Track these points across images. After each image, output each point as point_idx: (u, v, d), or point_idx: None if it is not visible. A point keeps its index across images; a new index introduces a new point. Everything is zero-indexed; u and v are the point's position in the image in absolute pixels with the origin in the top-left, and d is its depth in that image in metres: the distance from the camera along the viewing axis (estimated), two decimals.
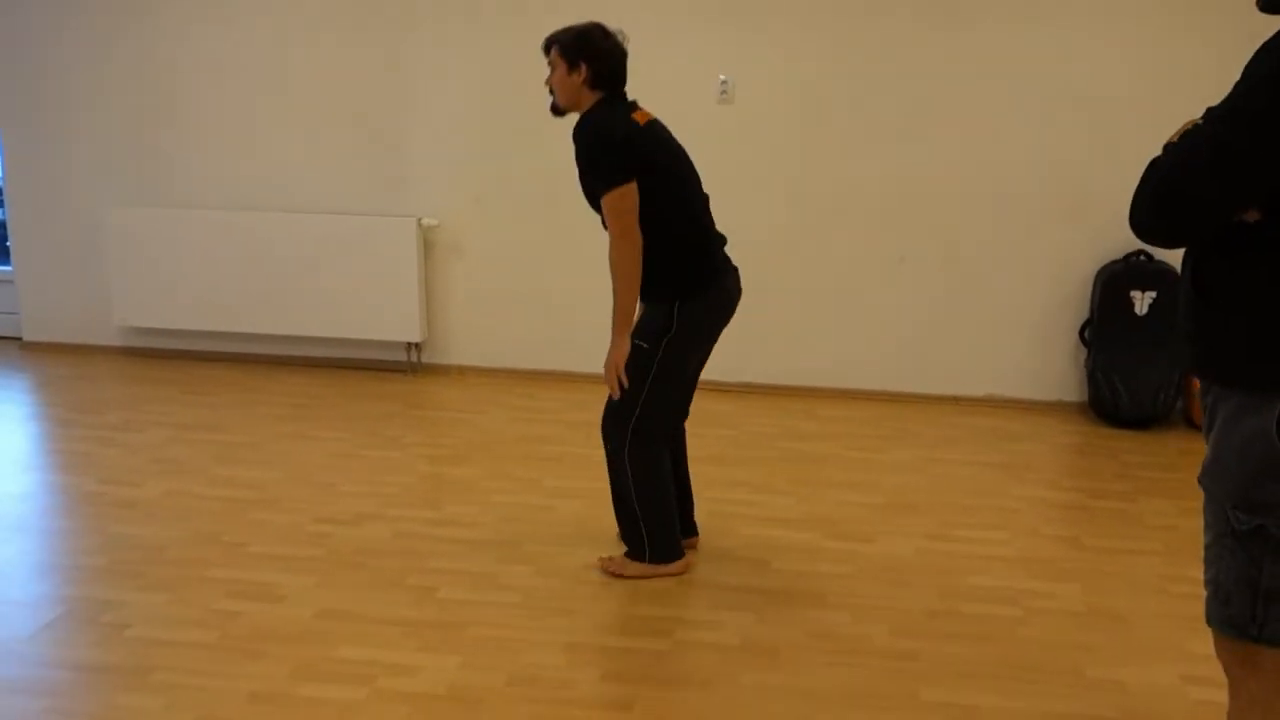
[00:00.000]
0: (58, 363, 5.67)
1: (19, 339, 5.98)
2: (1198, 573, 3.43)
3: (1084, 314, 5.09)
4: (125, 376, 5.47)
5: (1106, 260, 5.03)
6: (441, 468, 4.29)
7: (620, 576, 3.37)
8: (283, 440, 4.57)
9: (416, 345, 5.58)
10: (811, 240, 5.20)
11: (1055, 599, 3.31)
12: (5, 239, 5.97)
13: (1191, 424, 4.97)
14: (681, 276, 3.20)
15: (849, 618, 3.17)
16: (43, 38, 5.52)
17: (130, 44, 5.47)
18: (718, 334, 3.36)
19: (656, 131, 3.23)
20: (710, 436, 4.65)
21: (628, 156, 3.11)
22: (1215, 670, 2.91)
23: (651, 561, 3.37)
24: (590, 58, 3.16)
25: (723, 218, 5.19)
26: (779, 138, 5.11)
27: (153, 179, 5.60)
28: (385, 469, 4.27)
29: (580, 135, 3.17)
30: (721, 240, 3.36)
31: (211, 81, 5.45)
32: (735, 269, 3.37)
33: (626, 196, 3.10)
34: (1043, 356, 5.18)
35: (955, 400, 5.25)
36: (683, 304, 3.20)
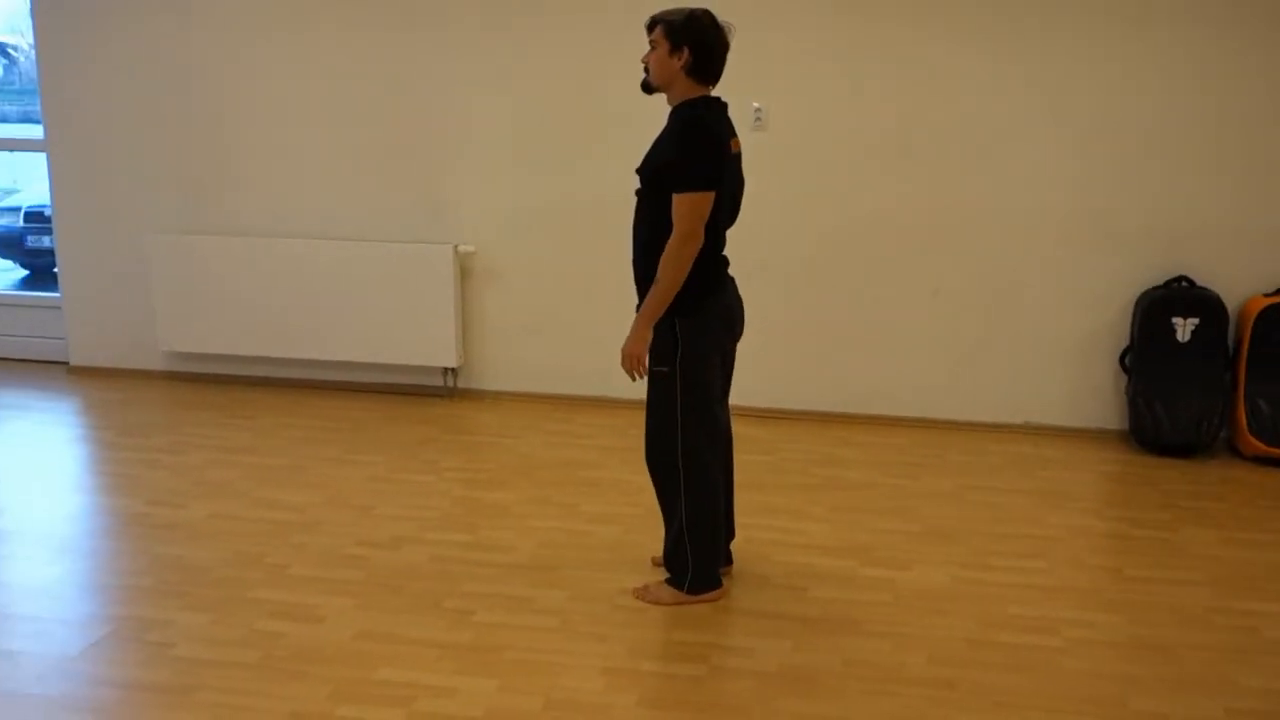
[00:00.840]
0: (104, 387, 5.76)
1: (66, 363, 6.08)
2: (1244, 604, 3.40)
3: (1124, 340, 5.05)
4: (169, 400, 5.55)
5: (1147, 286, 4.99)
6: (478, 492, 4.32)
7: (657, 604, 3.37)
8: (322, 464, 4.61)
9: (453, 370, 5.62)
10: (847, 266, 5.20)
11: (1097, 629, 3.27)
12: (53, 265, 6.07)
13: (1235, 452, 4.91)
14: (684, 295, 3.19)
15: (887, 646, 3.15)
16: (89, 67, 5.64)
17: (176, 72, 5.57)
18: (727, 344, 3.38)
19: (734, 163, 3.26)
20: (746, 463, 4.65)
21: (721, 168, 3.12)
22: (1262, 703, 2.88)
23: (690, 591, 3.37)
24: (694, 44, 3.13)
25: (757, 245, 5.23)
26: (813, 165, 5.13)
27: (197, 206, 5.70)
28: (422, 493, 4.30)
29: (688, 127, 3.15)
30: (726, 262, 3.37)
31: (255, 110, 5.55)
32: (732, 279, 3.38)
33: (704, 204, 3.10)
34: (1082, 383, 5.14)
35: (993, 428, 5.21)
36: (681, 320, 3.21)
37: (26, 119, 8.07)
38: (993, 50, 4.91)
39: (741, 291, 3.41)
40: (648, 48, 3.20)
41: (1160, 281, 4.98)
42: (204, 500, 4.19)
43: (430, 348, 5.50)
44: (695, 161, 3.10)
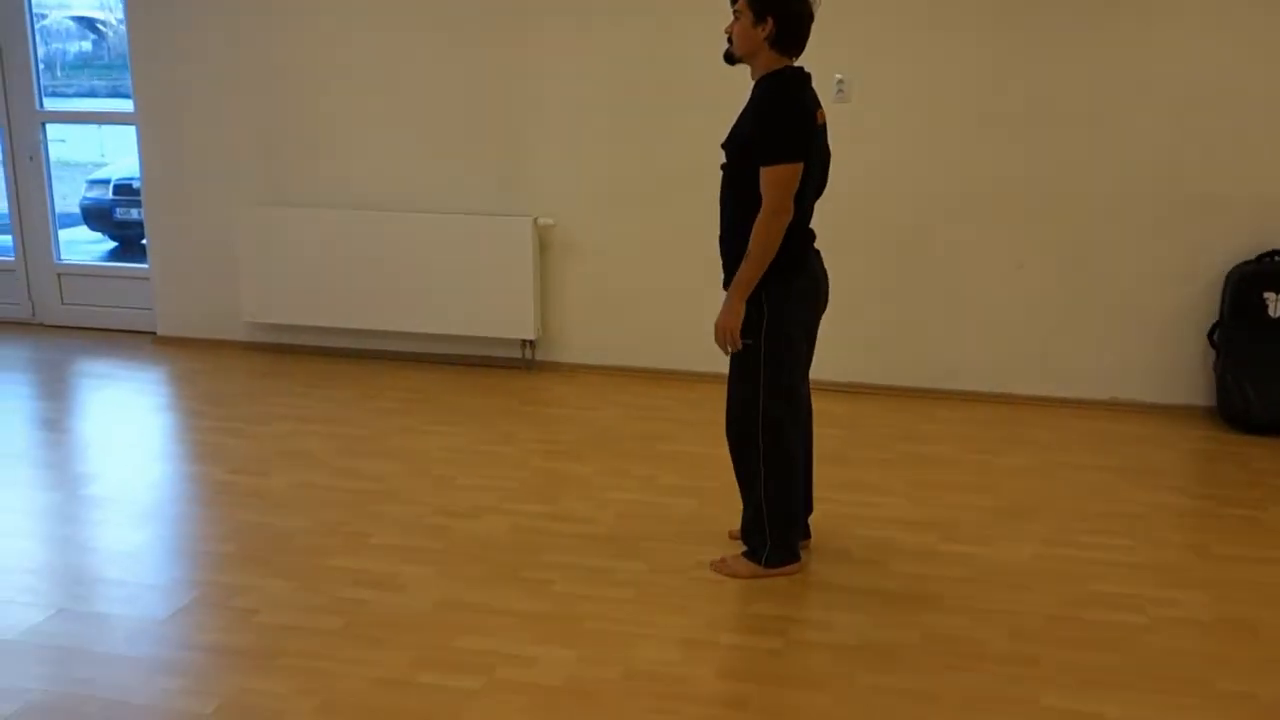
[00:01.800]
0: (189, 357, 5.89)
1: (153, 333, 6.22)
2: None
3: (1213, 315, 4.92)
4: (252, 370, 5.66)
5: (1238, 260, 4.85)
6: (556, 463, 4.35)
7: (734, 577, 3.37)
8: (402, 434, 4.68)
9: (531, 343, 5.66)
10: (930, 240, 5.12)
11: (1182, 607, 3.21)
12: (142, 237, 6.21)
13: None
14: (771, 268, 3.16)
15: (967, 621, 3.12)
16: (178, 40, 5.74)
17: (260, 46, 5.65)
18: (813, 317, 3.35)
19: (820, 134, 3.22)
20: (826, 436, 4.60)
21: (808, 140, 3.10)
22: None
23: (768, 564, 3.36)
24: (779, 14, 3.09)
25: (840, 218, 5.16)
26: (895, 137, 5.05)
27: (281, 179, 5.79)
28: (501, 464, 4.34)
29: (775, 98, 3.12)
30: (811, 237, 3.33)
31: (340, 84, 5.60)
32: (818, 253, 3.34)
33: (793, 177, 3.07)
34: (1169, 359, 5.02)
35: (1077, 403, 5.12)
36: (769, 292, 3.18)
37: (115, 93, 8.22)
38: (1085, 19, 4.78)
39: (824, 264, 3.38)
40: (730, 17, 3.17)
41: (1252, 255, 4.83)
42: (286, 469, 4.27)
43: (509, 320, 5.53)
44: (782, 133, 3.07)
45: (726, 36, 3.20)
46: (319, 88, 5.64)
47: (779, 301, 3.19)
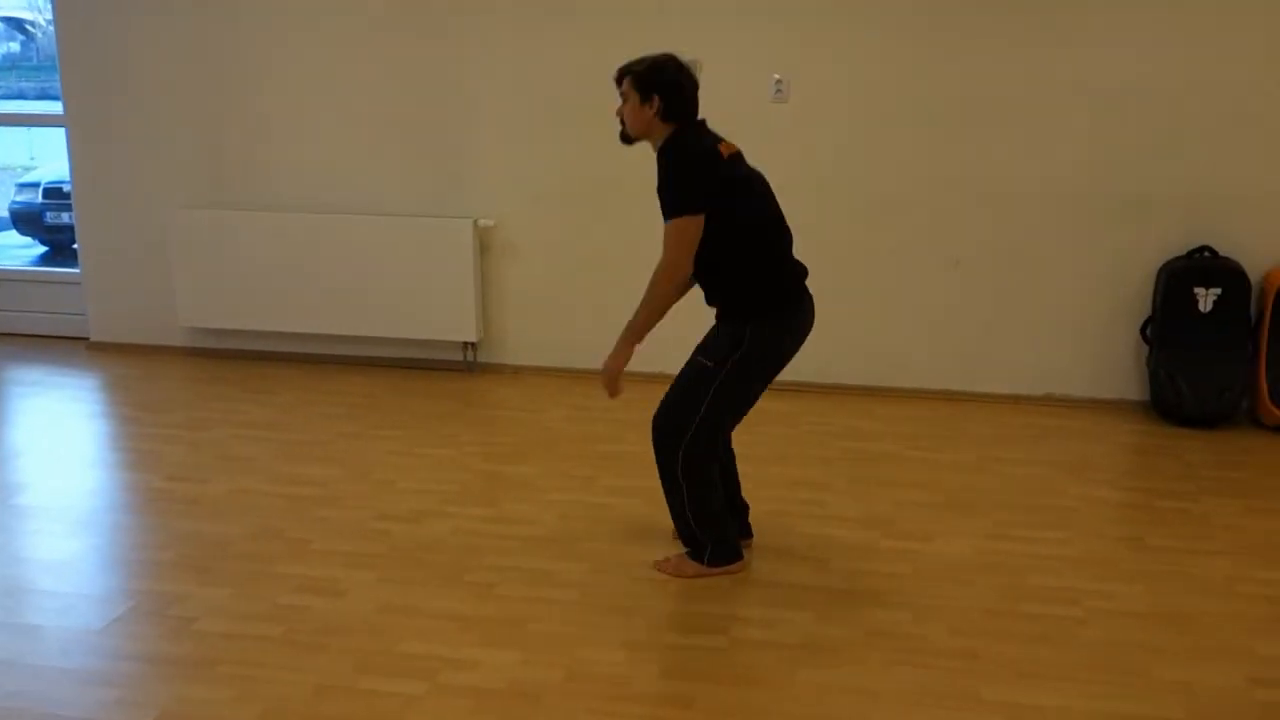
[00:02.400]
0: (124, 363, 5.79)
1: (86, 339, 6.10)
2: (1266, 573, 3.39)
3: (1146, 311, 5.02)
4: (189, 376, 5.57)
5: (1169, 256, 4.95)
6: (499, 466, 4.33)
7: (679, 576, 3.38)
8: (343, 439, 4.63)
9: (473, 345, 5.63)
10: (869, 239, 5.17)
11: (1119, 599, 3.27)
12: (73, 241, 6.10)
13: (1257, 423, 4.88)
14: (755, 300, 3.23)
15: (909, 617, 3.15)
16: (109, 40, 5.64)
17: (193, 46, 5.56)
18: (787, 360, 3.37)
19: (736, 164, 3.24)
20: (769, 435, 4.65)
21: (705, 189, 3.13)
22: None
23: (711, 563, 3.37)
24: (663, 90, 3.16)
25: None
26: (834, 137, 5.09)
27: (216, 181, 5.70)
28: (443, 467, 4.31)
29: (663, 158, 3.19)
30: (803, 272, 3.36)
31: (276, 84, 5.54)
32: (811, 297, 3.38)
33: (689, 229, 3.12)
34: (1104, 355, 5.11)
35: (1014, 400, 5.19)
36: (755, 326, 3.22)
37: (43, 95, 8.07)
38: (1018, 19, 4.85)
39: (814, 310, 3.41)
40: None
41: (1182, 251, 4.94)
42: (225, 476, 4.21)
43: (450, 322, 5.50)
44: (677, 189, 3.13)
45: (619, 119, 3.26)
46: (254, 88, 5.56)
47: (760, 339, 3.23)
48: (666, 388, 3.37)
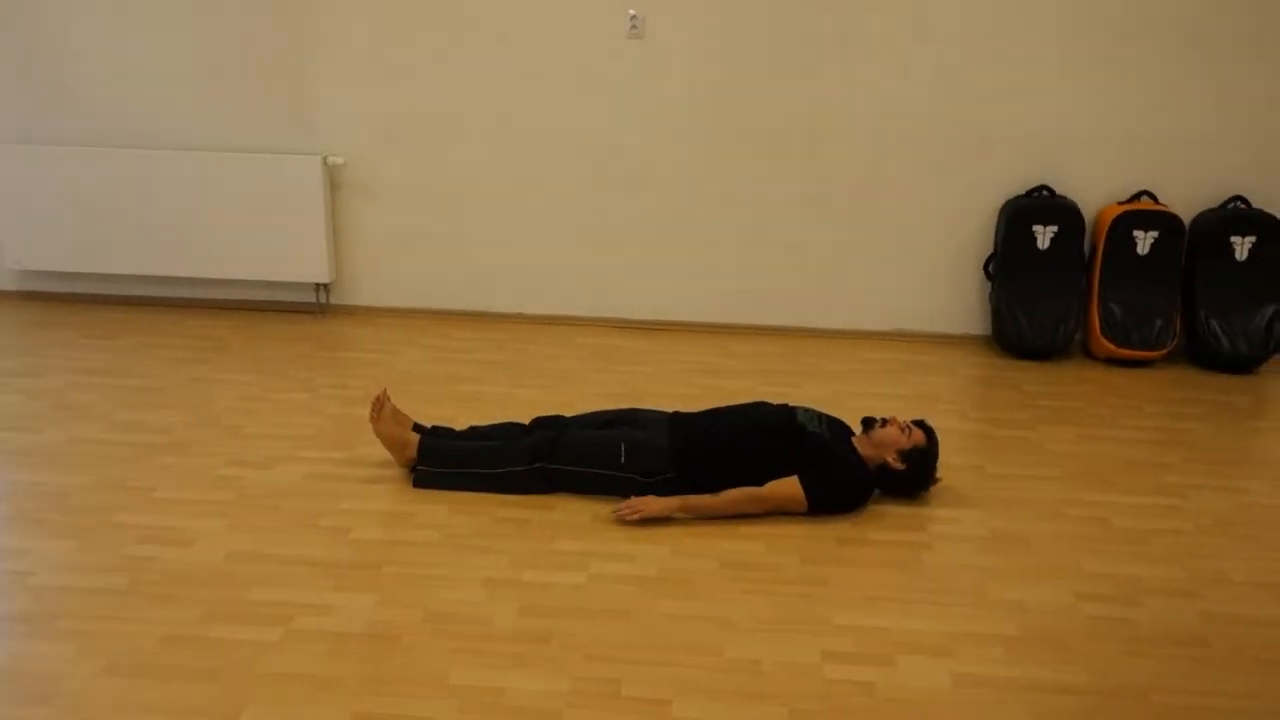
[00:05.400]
0: None
1: None
2: (1094, 496, 3.58)
3: (989, 248, 5.19)
4: (21, 321, 5.30)
5: (1010, 195, 5.13)
6: (353, 409, 4.24)
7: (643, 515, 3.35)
8: (188, 384, 4.47)
9: (325, 286, 5.49)
10: (720, 176, 5.20)
11: (961, 525, 3.41)
12: None
13: (1089, 354, 5.12)
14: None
15: (762, 548, 3.23)
16: None
17: None
18: None
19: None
20: (627, 373, 4.67)
21: None
22: (1106, 588, 3.05)
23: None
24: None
25: (632, 155, 5.20)
26: (688, 74, 5.09)
27: (42, 114, 5.38)
28: (295, 411, 4.21)
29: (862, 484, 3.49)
30: None
31: (101, 10, 5.23)
32: None
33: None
34: (950, 291, 5.28)
35: (865, 335, 5.33)
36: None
37: None
38: None
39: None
40: None
41: (1023, 190, 5.11)
42: (62, 424, 4.03)
43: (300, 263, 5.35)
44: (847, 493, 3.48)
45: None
46: (80, 14, 5.24)
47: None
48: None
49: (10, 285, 5.64)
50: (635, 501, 3.33)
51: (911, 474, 3.47)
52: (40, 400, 4.26)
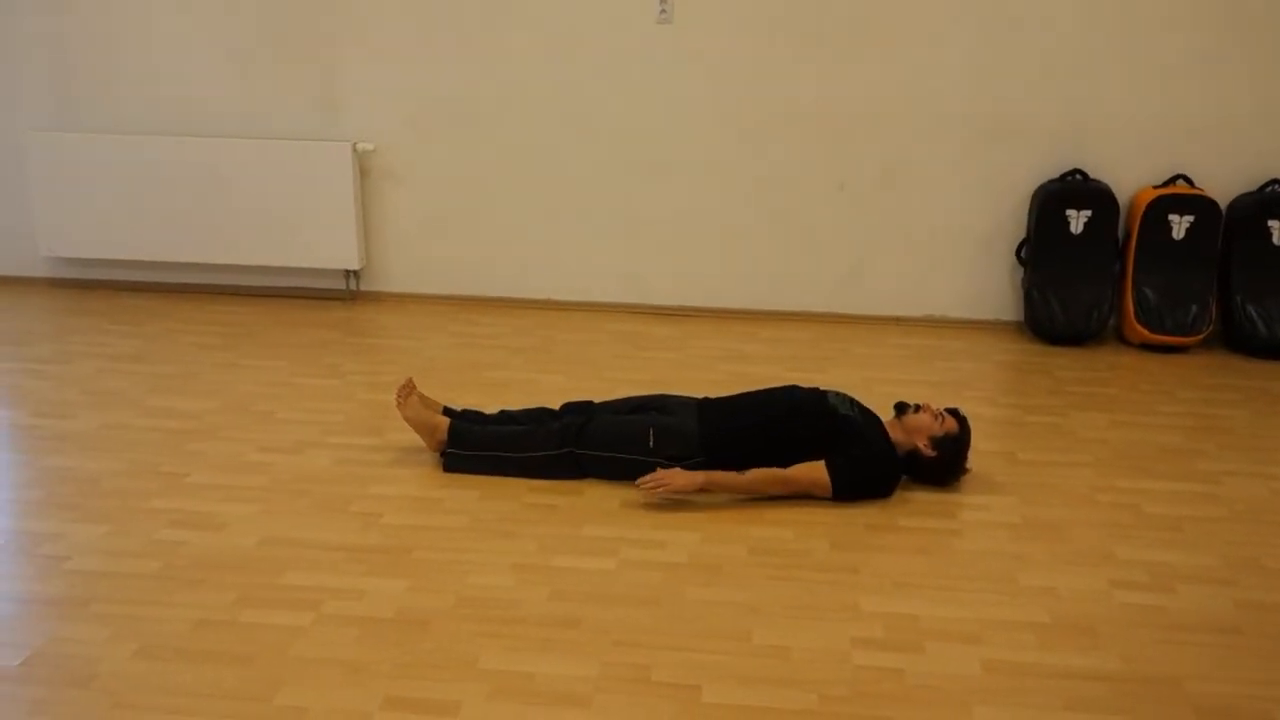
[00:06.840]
0: None
1: None
2: (1126, 483, 3.54)
3: (1021, 233, 5.15)
4: (53, 308, 5.35)
5: (1043, 179, 5.07)
6: (382, 395, 4.26)
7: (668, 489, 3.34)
8: (218, 370, 4.50)
9: (355, 273, 5.51)
10: (752, 162, 5.18)
11: (991, 511, 3.38)
12: None
13: (1123, 340, 5.07)
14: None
15: (791, 534, 3.21)
16: None
17: None
18: None
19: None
20: (654, 359, 4.66)
21: None
22: (1139, 575, 3.02)
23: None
24: None
25: (660, 140, 5.19)
26: (719, 59, 5.06)
27: (76, 103, 5.42)
28: (325, 397, 4.23)
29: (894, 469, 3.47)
30: None
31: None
32: None
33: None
34: (981, 276, 5.24)
35: (895, 321, 5.30)
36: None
37: None
38: None
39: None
40: None
41: (1056, 175, 5.06)
42: (94, 410, 4.07)
43: (330, 250, 5.37)
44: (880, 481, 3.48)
45: None
46: (118, 2, 5.27)
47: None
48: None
49: (42, 272, 5.69)
50: (661, 474, 3.31)
51: (942, 461, 3.45)
52: (71, 387, 4.30)
